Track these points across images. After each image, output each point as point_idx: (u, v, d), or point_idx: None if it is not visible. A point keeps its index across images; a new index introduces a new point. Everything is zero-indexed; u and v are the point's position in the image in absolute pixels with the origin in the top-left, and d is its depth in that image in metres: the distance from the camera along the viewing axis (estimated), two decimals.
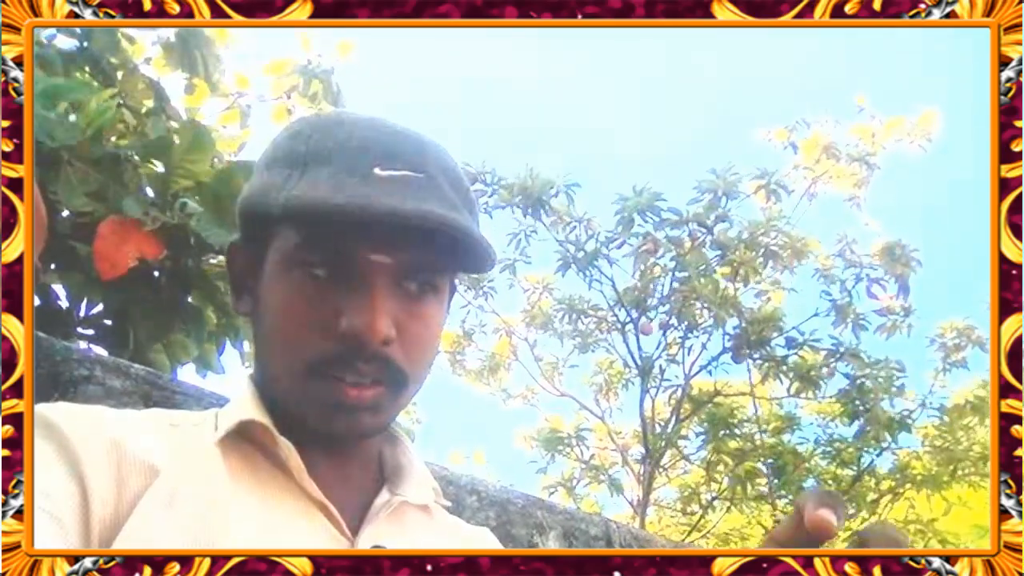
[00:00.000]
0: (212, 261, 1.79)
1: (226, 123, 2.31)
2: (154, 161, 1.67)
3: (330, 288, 0.74)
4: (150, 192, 1.66)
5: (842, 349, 7.02)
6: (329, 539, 0.73)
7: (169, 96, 1.97)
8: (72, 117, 1.52)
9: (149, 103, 1.91)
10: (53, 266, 1.68)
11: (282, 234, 0.76)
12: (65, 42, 1.75)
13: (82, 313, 1.83)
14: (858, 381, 6.91)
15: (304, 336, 0.74)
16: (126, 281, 1.63)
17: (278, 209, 0.73)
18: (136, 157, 1.65)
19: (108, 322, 1.83)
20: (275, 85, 2.61)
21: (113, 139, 1.64)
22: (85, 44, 1.79)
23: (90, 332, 1.83)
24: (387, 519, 0.78)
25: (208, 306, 1.80)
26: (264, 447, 0.76)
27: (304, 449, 0.75)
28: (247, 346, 2.00)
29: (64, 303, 1.80)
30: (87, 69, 1.80)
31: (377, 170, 0.73)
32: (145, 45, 2.13)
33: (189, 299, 1.75)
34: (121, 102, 1.82)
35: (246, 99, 2.42)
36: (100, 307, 1.84)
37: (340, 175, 0.72)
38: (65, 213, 1.56)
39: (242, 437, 0.76)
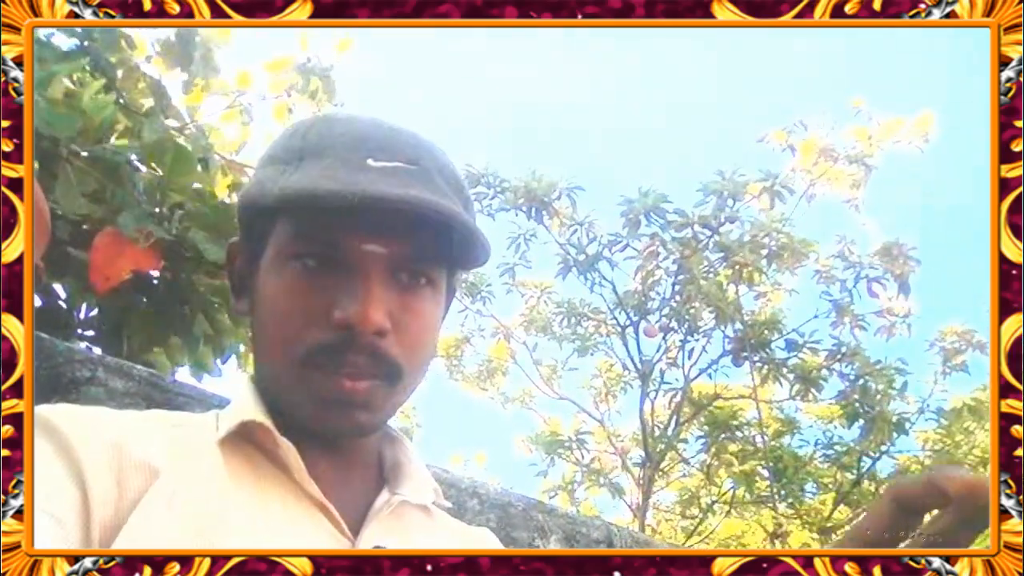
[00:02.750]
0: (209, 282, 1.79)
1: (227, 122, 2.30)
2: (153, 165, 1.67)
3: (324, 279, 0.74)
4: (146, 206, 1.66)
5: (843, 349, 7.02)
6: (330, 539, 0.73)
7: (170, 95, 1.97)
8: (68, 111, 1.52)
9: (149, 103, 1.91)
10: (52, 272, 1.68)
11: (278, 228, 0.76)
12: (64, 41, 1.75)
13: (82, 315, 1.83)
14: (860, 381, 6.91)
15: (298, 328, 0.74)
16: (121, 291, 1.63)
17: (272, 200, 0.74)
18: (135, 159, 1.65)
19: (104, 327, 1.83)
20: (275, 83, 2.61)
21: (113, 139, 1.64)
22: (85, 43, 1.79)
23: (91, 334, 1.83)
24: (387, 519, 0.78)
25: (201, 322, 1.79)
26: (265, 448, 0.76)
27: (305, 450, 0.74)
28: (242, 350, 2.00)
29: (64, 304, 1.80)
30: (87, 68, 1.80)
31: (370, 161, 0.73)
32: (146, 44, 2.13)
33: (184, 311, 1.75)
34: (121, 101, 1.82)
35: (246, 98, 2.41)
36: (97, 311, 1.83)
37: (334, 166, 0.73)
38: (64, 220, 1.56)
39: (243, 438, 0.76)
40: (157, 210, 1.64)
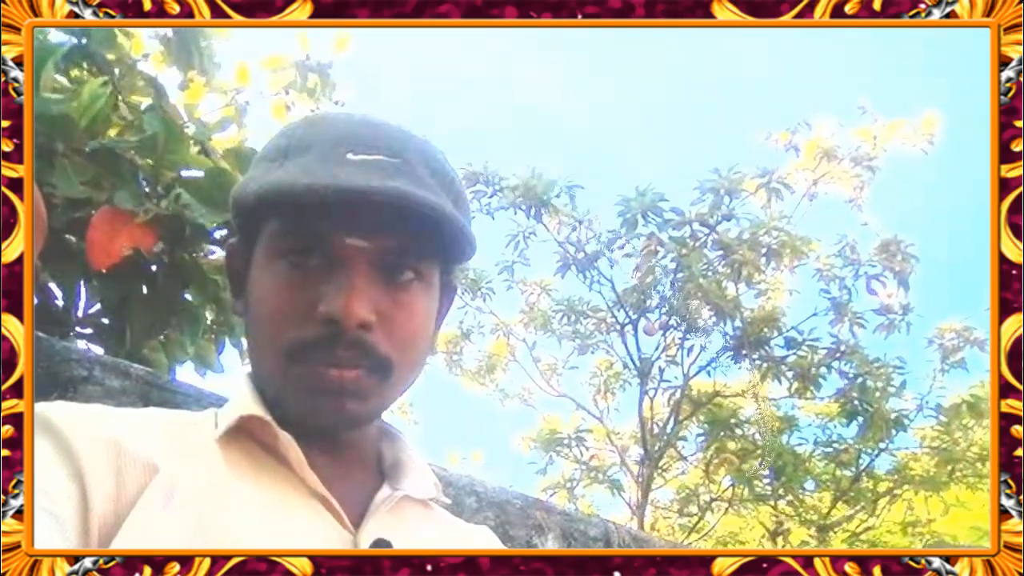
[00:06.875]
0: (211, 256, 1.79)
1: (225, 120, 2.30)
2: (148, 158, 1.67)
3: (310, 275, 0.74)
4: (145, 187, 1.66)
5: (842, 347, 7.03)
6: (331, 532, 0.73)
7: (168, 93, 1.96)
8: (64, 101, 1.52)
9: (147, 100, 1.90)
10: (48, 264, 1.67)
11: (266, 227, 0.77)
12: (62, 39, 1.75)
13: (80, 312, 1.83)
14: (858, 379, 6.92)
15: (285, 324, 0.74)
16: (121, 276, 1.63)
17: (254, 198, 0.74)
18: (132, 152, 1.65)
19: (104, 320, 1.83)
20: (273, 81, 2.60)
21: (110, 133, 1.64)
22: (83, 41, 1.79)
23: (88, 331, 1.82)
24: (388, 513, 0.78)
25: (205, 303, 1.79)
26: (264, 442, 0.76)
27: (304, 445, 0.74)
28: (245, 343, 1.99)
29: (61, 302, 1.80)
30: (84, 65, 1.80)
31: (350, 155, 0.73)
32: (143, 41, 2.13)
33: (185, 295, 1.75)
34: (120, 98, 1.82)
35: (244, 95, 2.40)
36: (97, 306, 1.83)
37: (314, 161, 0.73)
38: (60, 209, 1.56)
39: (242, 433, 0.76)
40: (154, 189, 1.64)
